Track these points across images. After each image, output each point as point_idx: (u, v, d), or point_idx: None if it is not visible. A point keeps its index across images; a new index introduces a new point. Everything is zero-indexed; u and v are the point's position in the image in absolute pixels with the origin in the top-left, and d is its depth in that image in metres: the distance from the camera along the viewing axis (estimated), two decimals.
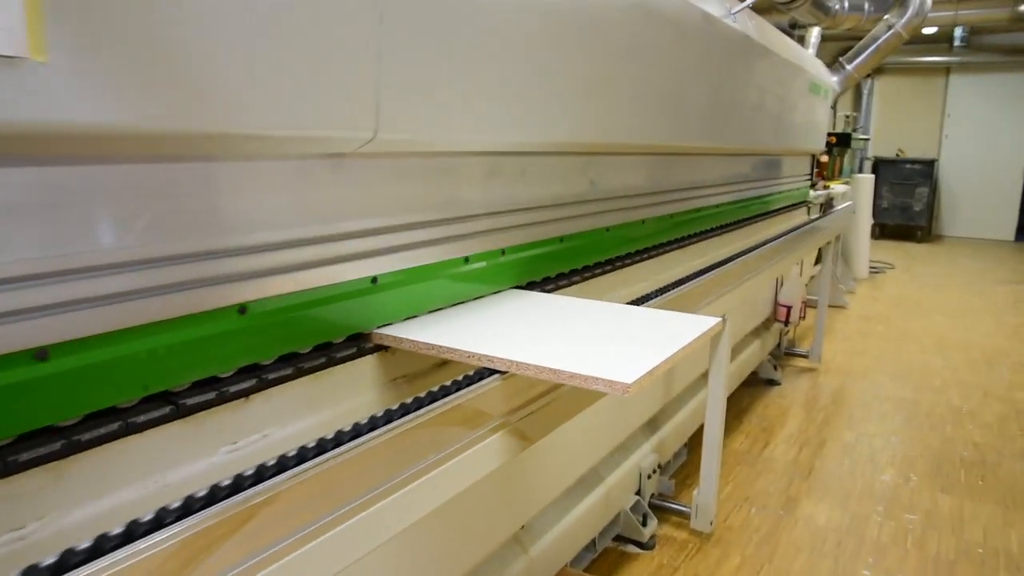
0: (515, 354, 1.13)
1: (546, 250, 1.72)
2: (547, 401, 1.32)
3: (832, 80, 4.80)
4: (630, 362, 1.10)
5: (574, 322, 1.35)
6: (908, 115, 11.20)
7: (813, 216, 4.87)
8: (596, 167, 1.88)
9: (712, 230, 2.86)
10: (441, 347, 1.18)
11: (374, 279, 1.21)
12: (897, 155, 10.90)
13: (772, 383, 4.01)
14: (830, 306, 5.95)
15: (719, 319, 1.47)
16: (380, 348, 1.23)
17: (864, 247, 7.35)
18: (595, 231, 1.92)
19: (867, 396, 3.88)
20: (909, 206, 10.52)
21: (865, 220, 7.26)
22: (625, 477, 2.30)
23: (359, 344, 1.20)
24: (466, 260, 1.44)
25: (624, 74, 1.85)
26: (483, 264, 1.49)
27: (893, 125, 11.28)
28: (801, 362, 4.41)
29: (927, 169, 10.43)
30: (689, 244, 2.57)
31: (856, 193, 7.07)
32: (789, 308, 3.91)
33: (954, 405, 3.76)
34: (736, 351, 3.52)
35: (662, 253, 2.34)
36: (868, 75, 10.67)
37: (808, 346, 4.43)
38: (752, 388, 3.91)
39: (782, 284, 4.01)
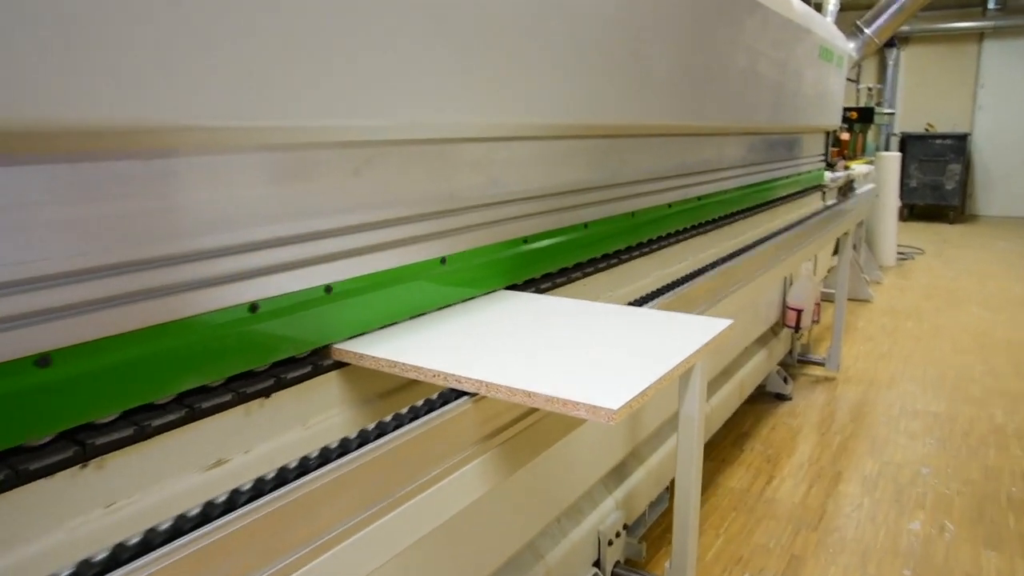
0: (487, 372, 0.98)
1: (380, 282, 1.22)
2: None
3: (848, 47, 4.21)
4: (618, 380, 0.95)
5: (562, 329, 1.19)
6: (938, 86, 10.46)
7: (830, 202, 4.31)
8: (500, 158, 1.38)
9: (691, 229, 2.34)
10: (405, 365, 1.02)
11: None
12: (926, 130, 10.18)
13: (781, 398, 3.47)
14: (852, 300, 5.38)
15: (729, 321, 1.24)
16: (341, 365, 1.07)
17: (891, 232, 6.73)
18: (499, 245, 1.42)
19: (893, 411, 3.33)
20: (940, 184, 9.80)
21: (891, 202, 6.63)
22: (577, 547, 1.81)
23: (316, 361, 1.03)
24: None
25: (540, 24, 1.34)
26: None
27: (921, 98, 10.55)
28: (817, 370, 3.86)
29: (959, 144, 9.69)
30: (657, 249, 2.06)
31: (880, 173, 6.46)
32: (800, 312, 3.37)
33: (997, 423, 3.20)
34: (736, 365, 3.00)
35: (616, 264, 1.83)
36: (892, 43, 9.97)
37: (825, 351, 3.88)
38: (757, 405, 3.38)
39: (791, 283, 3.46)
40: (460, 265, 1.30)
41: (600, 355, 1.04)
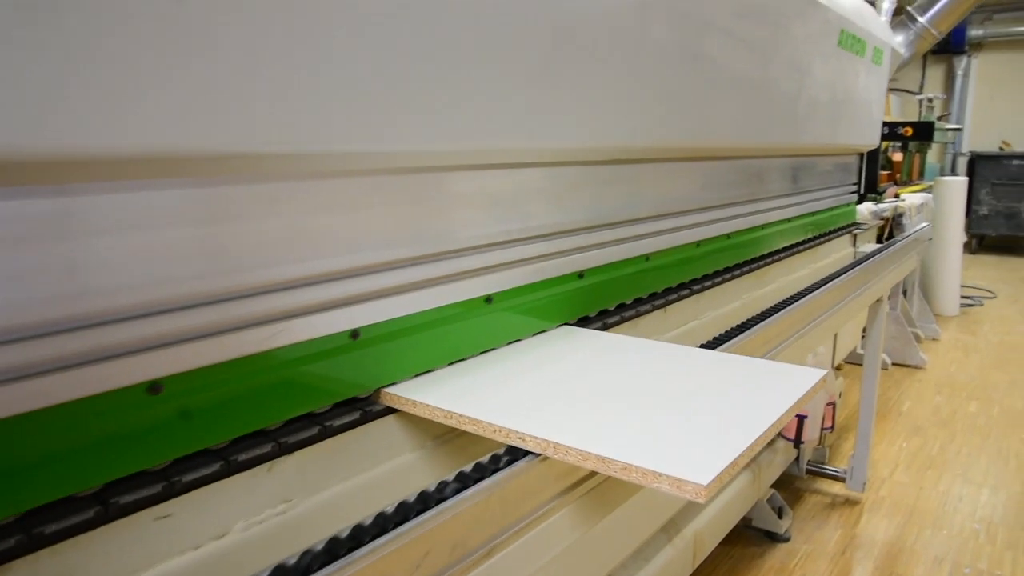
0: (554, 430, 0.85)
1: None
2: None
3: (892, 40, 3.13)
4: (704, 445, 0.82)
5: (628, 373, 1.05)
6: (1016, 99, 9.09)
7: (867, 247, 3.23)
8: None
9: (607, 314, 1.33)
10: (461, 416, 0.90)
11: None
12: (1001, 149, 8.81)
13: (774, 538, 2.41)
14: (899, 365, 4.23)
15: (823, 371, 1.03)
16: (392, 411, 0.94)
17: (953, 273, 5.51)
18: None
19: (942, 571, 2.23)
20: (1017, 212, 8.42)
21: (953, 237, 5.42)
22: None
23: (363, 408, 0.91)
24: None
25: None
26: None
27: (996, 112, 9.19)
28: (833, 486, 2.77)
29: None
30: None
31: (941, 201, 5.27)
32: (803, 419, 2.31)
33: None
34: (688, 510, 1.97)
35: None
36: (963, 49, 8.66)
37: (847, 457, 2.78)
38: (735, 548, 2.33)
39: None
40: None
41: (678, 409, 0.91)
